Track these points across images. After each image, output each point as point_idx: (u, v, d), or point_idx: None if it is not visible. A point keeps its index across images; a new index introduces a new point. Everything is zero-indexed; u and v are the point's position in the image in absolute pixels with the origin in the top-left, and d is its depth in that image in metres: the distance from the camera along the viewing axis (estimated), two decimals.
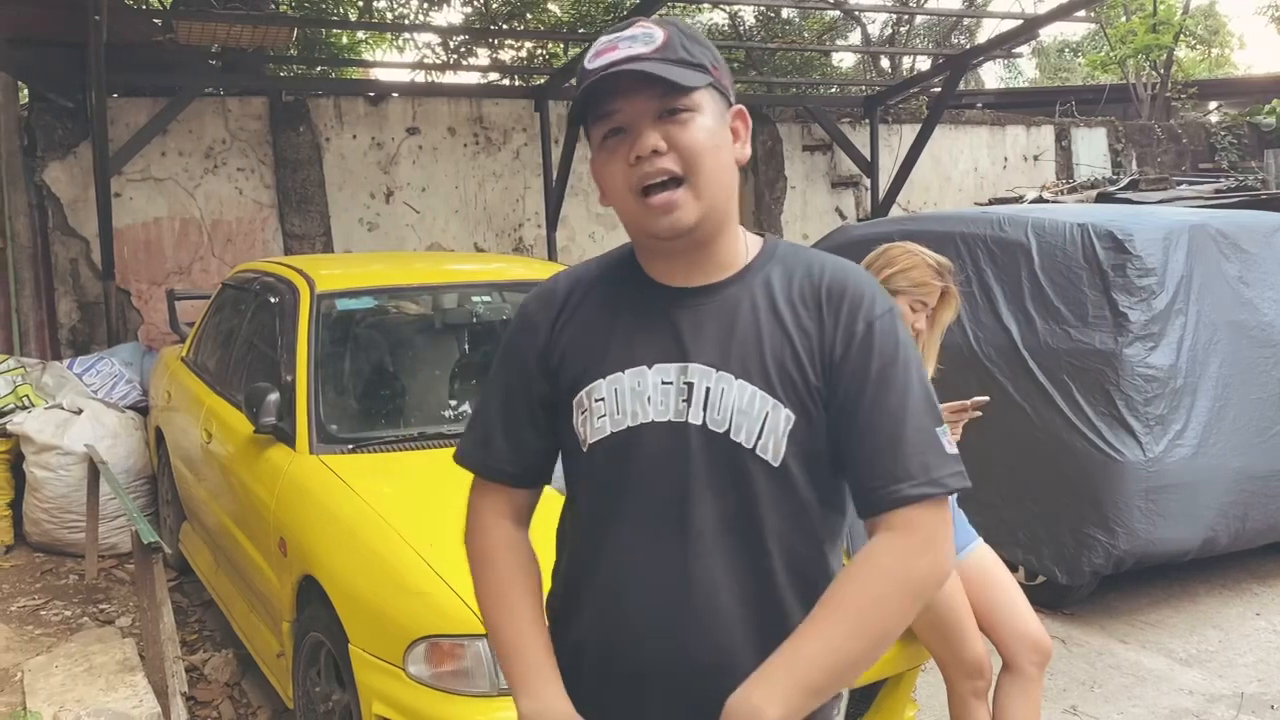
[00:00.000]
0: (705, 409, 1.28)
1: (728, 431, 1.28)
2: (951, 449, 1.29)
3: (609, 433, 1.31)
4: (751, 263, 1.35)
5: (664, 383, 1.29)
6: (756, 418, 1.27)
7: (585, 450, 1.34)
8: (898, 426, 1.26)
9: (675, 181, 1.25)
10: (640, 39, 1.26)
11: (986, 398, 2.76)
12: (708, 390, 1.28)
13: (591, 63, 1.27)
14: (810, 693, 1.21)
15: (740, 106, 1.33)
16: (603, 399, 1.31)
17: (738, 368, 1.28)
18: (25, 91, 7.70)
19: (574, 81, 1.30)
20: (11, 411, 5.65)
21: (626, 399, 1.30)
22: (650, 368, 1.30)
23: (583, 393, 1.33)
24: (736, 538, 1.29)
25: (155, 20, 7.49)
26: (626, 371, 1.31)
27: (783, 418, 1.27)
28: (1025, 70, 25.34)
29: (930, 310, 2.89)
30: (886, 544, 1.24)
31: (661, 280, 1.34)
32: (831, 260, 1.37)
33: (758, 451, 1.28)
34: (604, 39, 1.29)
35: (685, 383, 1.29)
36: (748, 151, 1.34)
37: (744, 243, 1.36)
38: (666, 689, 1.31)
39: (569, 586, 1.42)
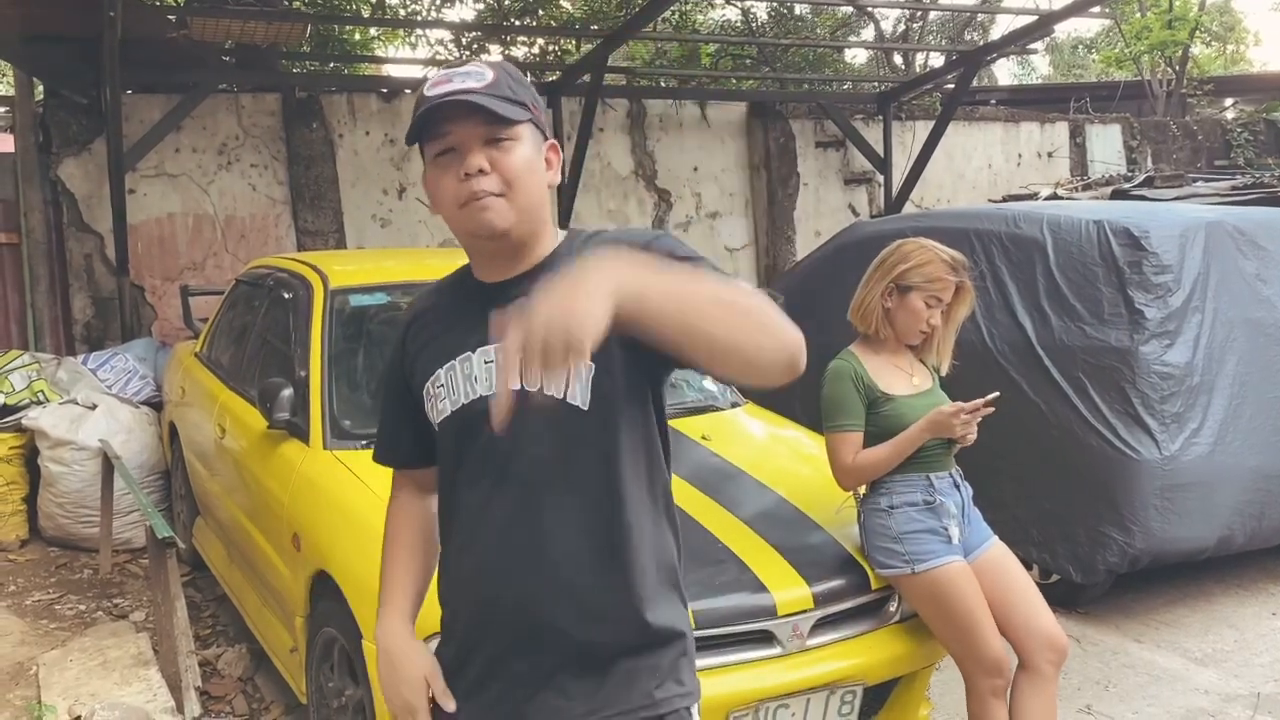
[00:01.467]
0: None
1: (541, 389, 1.45)
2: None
3: (450, 412, 1.56)
4: (555, 250, 1.58)
5: (487, 362, 1.52)
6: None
7: (437, 430, 1.59)
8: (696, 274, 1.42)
9: (496, 196, 1.48)
10: (473, 75, 1.47)
11: (997, 393, 2.76)
12: None
13: (430, 91, 1.49)
14: (665, 290, 1.27)
15: (553, 141, 1.58)
16: (443, 385, 1.56)
17: None
18: (40, 88, 7.73)
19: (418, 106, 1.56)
20: (26, 407, 5.68)
21: (460, 382, 1.55)
22: (475, 352, 1.53)
23: (429, 383, 1.59)
24: (559, 479, 1.49)
25: (169, 16, 7.49)
26: (458, 359, 1.55)
27: (583, 367, 1.42)
28: (1039, 67, 25.29)
29: (945, 306, 2.89)
30: None
31: (485, 280, 1.58)
32: (615, 230, 1.61)
33: (568, 399, 1.47)
34: (440, 73, 1.51)
35: None
36: (557, 178, 1.59)
37: (554, 240, 1.60)
38: (504, 617, 1.53)
39: (441, 544, 1.67)
